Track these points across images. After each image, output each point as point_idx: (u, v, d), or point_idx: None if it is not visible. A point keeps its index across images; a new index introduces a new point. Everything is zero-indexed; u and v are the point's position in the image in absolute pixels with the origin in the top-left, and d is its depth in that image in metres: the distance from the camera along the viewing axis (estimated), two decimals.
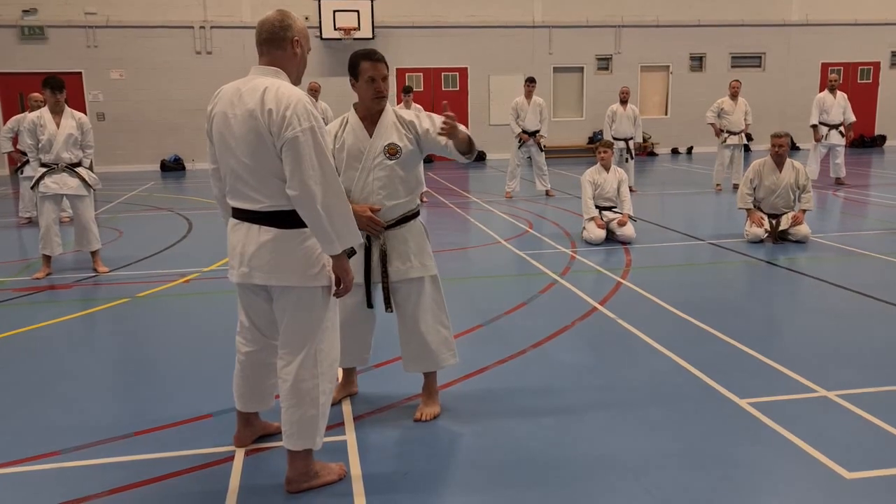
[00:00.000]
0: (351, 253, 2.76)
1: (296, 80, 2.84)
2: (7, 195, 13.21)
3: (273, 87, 2.65)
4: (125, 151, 17.80)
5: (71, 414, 3.67)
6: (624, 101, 12.00)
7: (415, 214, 3.54)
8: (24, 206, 9.82)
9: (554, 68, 19.34)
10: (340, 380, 3.75)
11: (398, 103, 11.36)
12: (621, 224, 7.68)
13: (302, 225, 2.67)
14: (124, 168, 17.71)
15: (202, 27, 17.65)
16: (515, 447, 3.25)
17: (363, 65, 3.35)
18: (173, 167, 17.87)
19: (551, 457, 3.16)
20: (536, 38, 19.11)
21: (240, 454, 3.21)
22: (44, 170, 6.63)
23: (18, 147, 9.31)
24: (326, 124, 3.27)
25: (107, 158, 16.83)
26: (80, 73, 17.28)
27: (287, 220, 2.69)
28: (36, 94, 8.71)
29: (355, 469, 3.07)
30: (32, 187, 6.90)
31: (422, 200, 11.13)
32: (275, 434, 3.26)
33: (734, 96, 11.88)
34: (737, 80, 12.10)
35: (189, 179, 15.11)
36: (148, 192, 13.05)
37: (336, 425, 3.47)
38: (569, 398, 3.77)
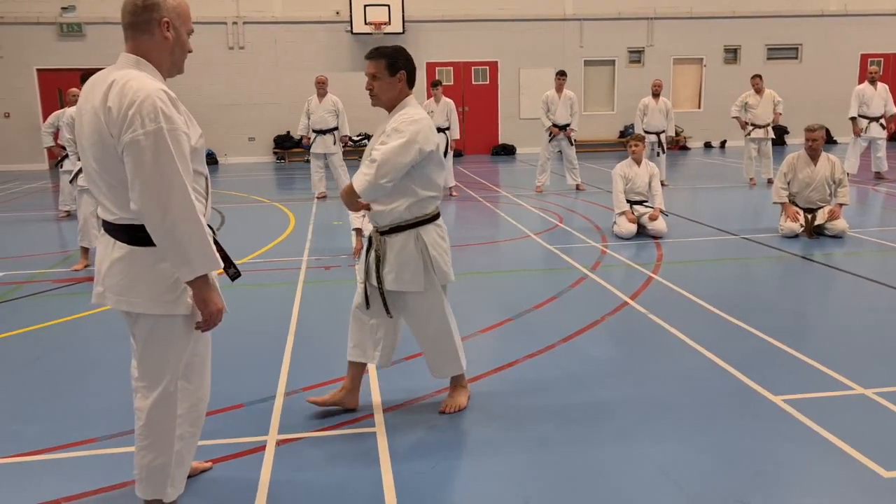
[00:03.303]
0: (235, 275, 2.48)
1: (170, 70, 2.46)
2: (47, 189, 13.49)
3: (121, 80, 2.24)
4: None
5: (106, 402, 3.74)
6: (656, 95, 11.86)
7: (411, 225, 3.29)
8: (64, 199, 10.02)
9: (585, 61, 19.17)
10: (343, 383, 3.55)
11: (427, 98, 11.35)
12: (652, 218, 7.61)
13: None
14: None
15: (234, 23, 17.81)
16: (544, 441, 3.24)
17: None
18: (206, 161, 18.07)
19: (579, 451, 3.14)
20: (567, 31, 18.95)
21: (271, 444, 3.25)
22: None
23: (59, 142, 9.51)
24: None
25: None
26: None
27: (139, 235, 2.29)
28: (74, 90, 8.88)
29: (384, 460, 3.09)
30: (72, 181, 7.07)
31: (451, 194, 11.13)
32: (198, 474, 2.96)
33: (758, 91, 11.70)
34: (758, 77, 11.87)
35: (221, 173, 15.28)
36: None
37: (365, 417, 3.50)
38: (598, 393, 3.75)
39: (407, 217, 3.29)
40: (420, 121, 3.22)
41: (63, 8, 17.20)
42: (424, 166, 3.25)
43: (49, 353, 4.57)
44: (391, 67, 3.28)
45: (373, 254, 3.34)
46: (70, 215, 9.61)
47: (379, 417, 3.50)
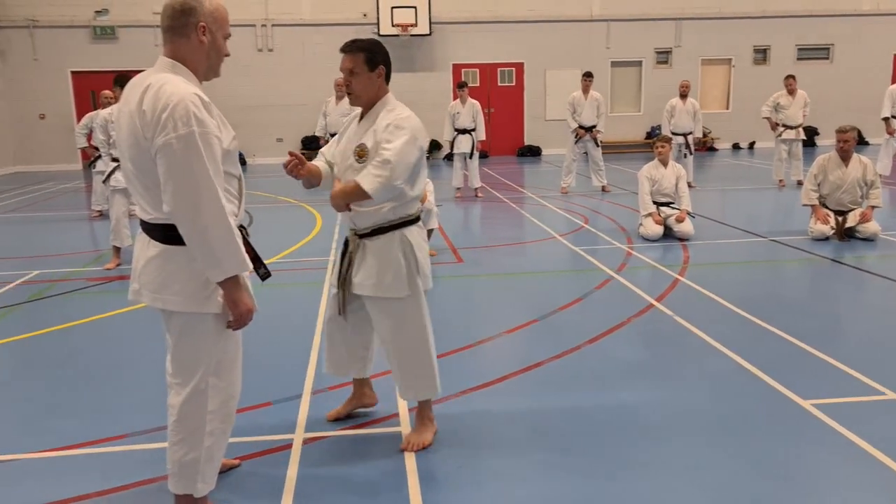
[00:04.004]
0: (265, 276, 2.45)
1: (207, 74, 2.48)
2: (81, 189, 13.74)
3: (156, 84, 2.28)
4: None
5: (139, 398, 3.81)
6: (684, 96, 11.78)
7: (395, 226, 3.09)
8: (96, 199, 10.21)
9: (612, 62, 19.08)
10: (351, 393, 3.53)
11: (454, 99, 11.38)
12: (679, 220, 7.55)
13: None
14: None
15: (263, 25, 18.00)
16: (569, 444, 3.24)
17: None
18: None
19: (605, 453, 3.14)
20: (594, 32, 18.87)
21: (298, 442, 3.29)
22: (115, 164, 6.88)
23: (92, 143, 9.69)
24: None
25: None
26: None
27: (173, 234, 2.33)
28: (107, 92, 9.02)
29: (410, 461, 3.11)
30: (104, 181, 7.22)
31: (476, 195, 11.15)
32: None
33: (791, 92, 11.55)
34: (791, 77, 11.71)
35: (250, 174, 15.44)
36: None
37: (391, 416, 3.53)
38: (624, 395, 3.74)
39: (391, 218, 3.06)
40: (414, 117, 3.07)
41: (96, 11, 17.52)
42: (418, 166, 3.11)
43: (83, 349, 4.67)
44: (370, 62, 3.02)
45: (348, 256, 3.15)
46: (102, 215, 9.78)
47: (405, 416, 3.52)
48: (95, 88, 14.06)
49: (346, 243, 3.20)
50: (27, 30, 17.39)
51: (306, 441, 3.30)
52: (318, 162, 3.26)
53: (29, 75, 17.53)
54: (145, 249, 2.44)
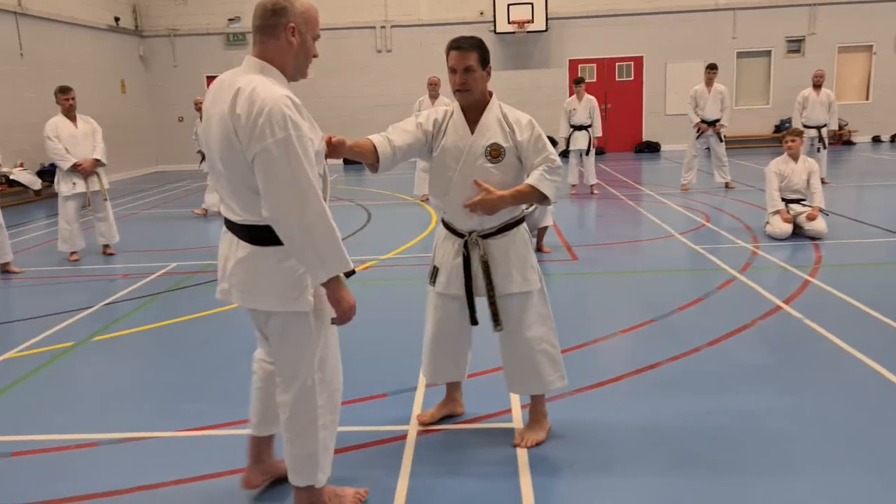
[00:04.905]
0: (349, 273, 2.42)
1: (294, 75, 2.45)
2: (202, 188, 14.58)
3: (248, 87, 2.26)
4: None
5: None
6: (817, 86, 11.08)
7: (518, 222, 3.14)
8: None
9: (737, 53, 18.19)
10: (444, 397, 3.53)
11: (570, 95, 11.23)
12: (811, 218, 7.12)
13: (279, 242, 2.33)
14: None
15: (383, 27, 18.46)
16: (685, 447, 3.14)
17: (448, 54, 3.01)
18: (354, 161, 18.84)
19: (722, 458, 3.02)
20: (719, 22, 18.06)
21: (412, 433, 3.36)
22: None
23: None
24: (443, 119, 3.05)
25: None
26: None
27: (262, 236, 2.35)
28: (201, 98, 9.52)
29: (523, 456, 3.11)
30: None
31: (592, 192, 10.96)
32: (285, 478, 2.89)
33: None
34: None
35: (368, 172, 15.88)
36: (331, 184, 13.88)
37: (504, 412, 3.54)
38: (747, 401, 3.58)
39: (515, 213, 3.13)
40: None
41: (229, 19, 18.56)
42: None
43: (214, 337, 4.97)
44: (483, 60, 3.01)
45: (478, 262, 3.09)
46: (208, 214, 10.33)
47: (517, 412, 3.52)
48: None
49: (466, 247, 3.10)
50: (168, 38, 18.66)
51: (420, 433, 3.37)
52: (378, 139, 3.07)
53: (169, 81, 18.79)
54: (234, 250, 2.45)
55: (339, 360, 2.64)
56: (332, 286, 2.35)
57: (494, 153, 3.01)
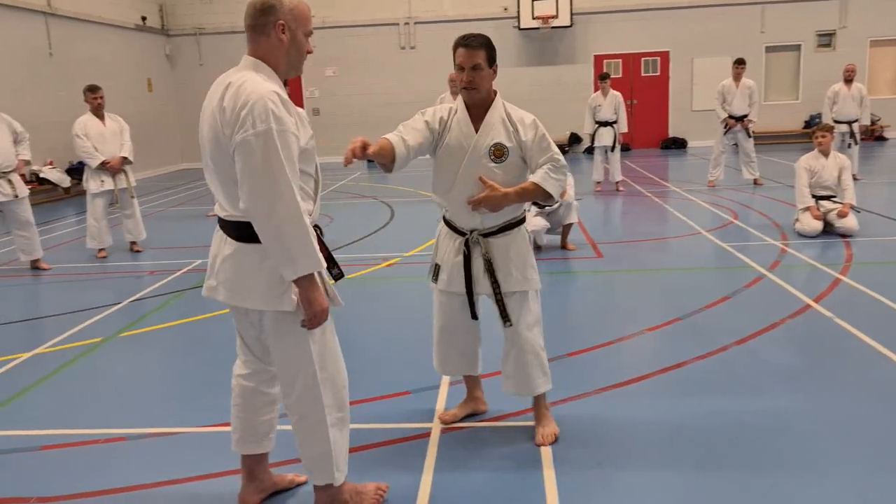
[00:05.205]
0: (338, 276, 2.40)
1: (287, 71, 2.47)
2: None
3: (237, 82, 2.31)
4: (337, 143, 19.13)
5: None
6: (849, 81, 10.88)
7: (519, 222, 3.15)
8: None
9: (766, 48, 17.92)
10: (465, 396, 3.52)
11: (595, 91, 11.14)
12: (842, 215, 6.99)
13: None
14: (336, 159, 19.04)
15: (406, 23, 18.46)
16: (711, 447, 3.10)
17: (456, 51, 3.01)
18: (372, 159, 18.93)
19: (750, 458, 2.97)
20: (747, 16, 17.80)
21: (436, 431, 3.35)
22: None
23: None
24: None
25: (321, 150, 18.17)
26: None
27: (247, 233, 2.34)
28: None
29: (546, 453, 3.09)
30: None
31: (618, 189, 10.87)
32: (288, 489, 2.93)
33: None
34: None
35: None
36: (355, 182, 13.95)
37: (527, 410, 3.51)
38: (776, 401, 3.52)
39: (517, 213, 3.14)
40: None
41: None
42: None
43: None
44: (490, 59, 3.02)
45: (481, 261, 3.09)
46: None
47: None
48: None
49: (467, 245, 3.11)
50: (194, 37, 18.83)
51: (444, 431, 3.36)
52: (395, 139, 3.00)
53: (195, 79, 18.93)
54: (222, 247, 2.48)
55: (340, 356, 2.61)
56: (304, 285, 2.32)
57: (498, 153, 3.01)
